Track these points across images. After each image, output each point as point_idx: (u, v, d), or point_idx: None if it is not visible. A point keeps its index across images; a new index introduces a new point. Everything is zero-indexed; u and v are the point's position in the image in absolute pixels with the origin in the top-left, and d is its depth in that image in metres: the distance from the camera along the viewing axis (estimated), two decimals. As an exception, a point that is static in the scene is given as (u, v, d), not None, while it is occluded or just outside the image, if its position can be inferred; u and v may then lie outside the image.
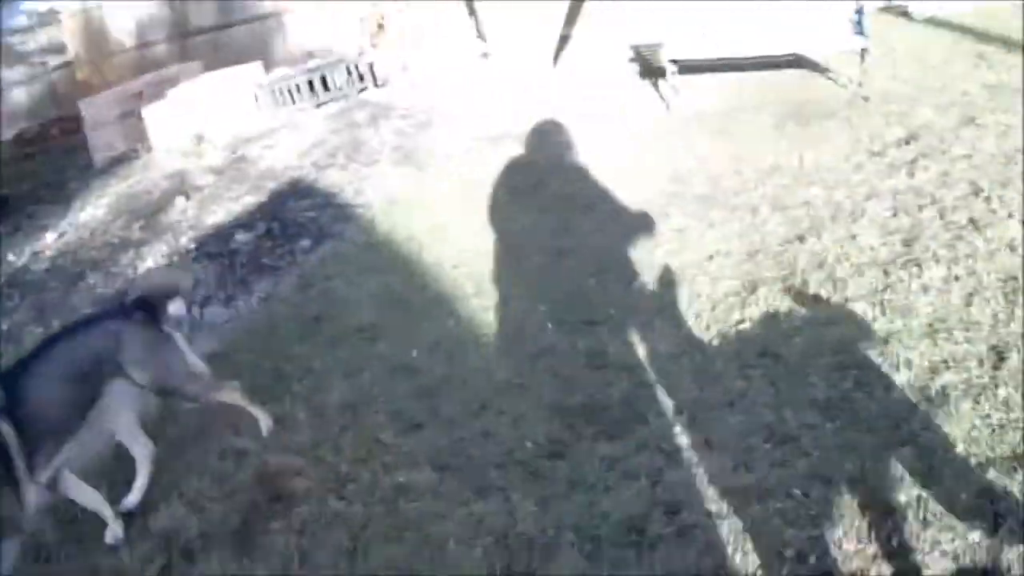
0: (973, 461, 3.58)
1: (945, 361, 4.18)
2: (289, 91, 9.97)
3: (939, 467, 3.58)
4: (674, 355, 4.65)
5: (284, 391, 5.12)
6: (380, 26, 10.73)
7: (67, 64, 14.52)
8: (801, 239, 5.48)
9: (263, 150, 9.05)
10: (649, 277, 5.42)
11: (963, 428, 3.75)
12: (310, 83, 9.96)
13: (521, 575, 3.54)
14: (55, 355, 4.09)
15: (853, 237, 5.38)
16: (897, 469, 3.62)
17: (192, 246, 7.51)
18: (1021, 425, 3.68)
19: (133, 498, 4.48)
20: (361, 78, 10.00)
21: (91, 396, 4.15)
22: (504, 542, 3.70)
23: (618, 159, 7.26)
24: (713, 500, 3.69)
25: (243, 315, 6.33)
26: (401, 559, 3.75)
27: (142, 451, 4.56)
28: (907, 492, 3.50)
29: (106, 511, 4.29)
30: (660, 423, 4.19)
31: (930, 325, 4.45)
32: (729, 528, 3.52)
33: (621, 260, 5.62)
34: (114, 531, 4.26)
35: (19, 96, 14.02)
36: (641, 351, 4.74)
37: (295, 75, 10.00)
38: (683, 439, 4.07)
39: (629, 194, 6.51)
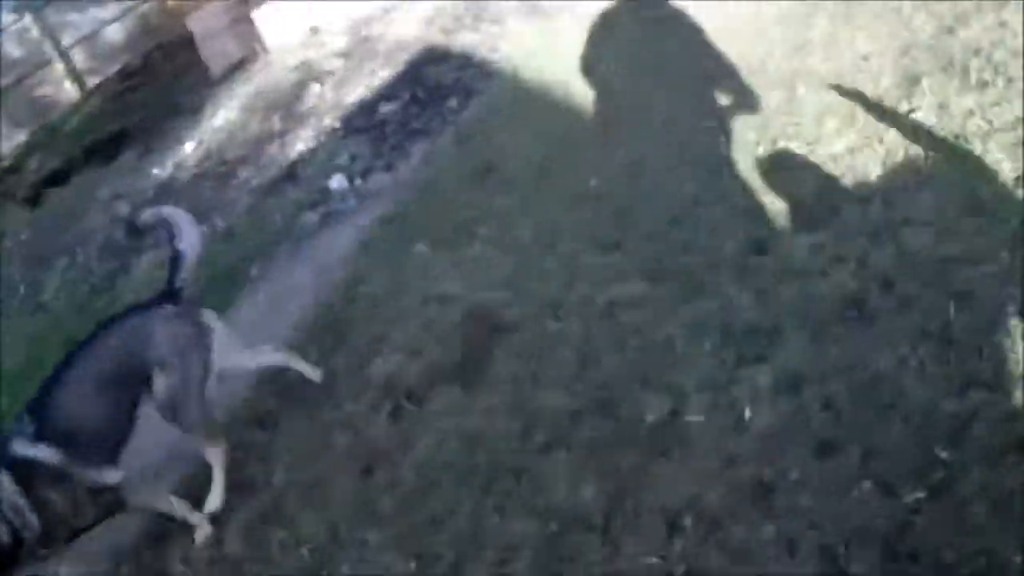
0: None
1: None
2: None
3: None
4: (853, 148, 4.70)
5: (471, 236, 5.34)
6: None
7: (155, -6, 14.67)
8: (951, 31, 5.42)
9: (385, 27, 9.12)
10: (809, 83, 5.44)
11: None
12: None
13: (752, 362, 3.71)
14: (83, 367, 3.95)
15: (1003, 24, 5.28)
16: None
17: (337, 125, 7.68)
18: None
19: (214, 501, 4.32)
20: (467, -58, 9.96)
21: (132, 402, 4.03)
22: (729, 334, 3.88)
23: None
24: (924, 270, 3.78)
25: (408, 178, 6.53)
26: (632, 364, 3.96)
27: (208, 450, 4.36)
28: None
29: (190, 516, 4.22)
30: (855, 210, 4.28)
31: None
32: (946, 293, 3.62)
33: (774, 72, 5.64)
34: (203, 532, 4.22)
35: (114, 33, 14.19)
36: (819, 150, 4.80)
37: (399, -48, 9.99)
38: (880, 221, 4.15)
39: (765, 10, 6.50)
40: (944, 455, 3.01)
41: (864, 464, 3.11)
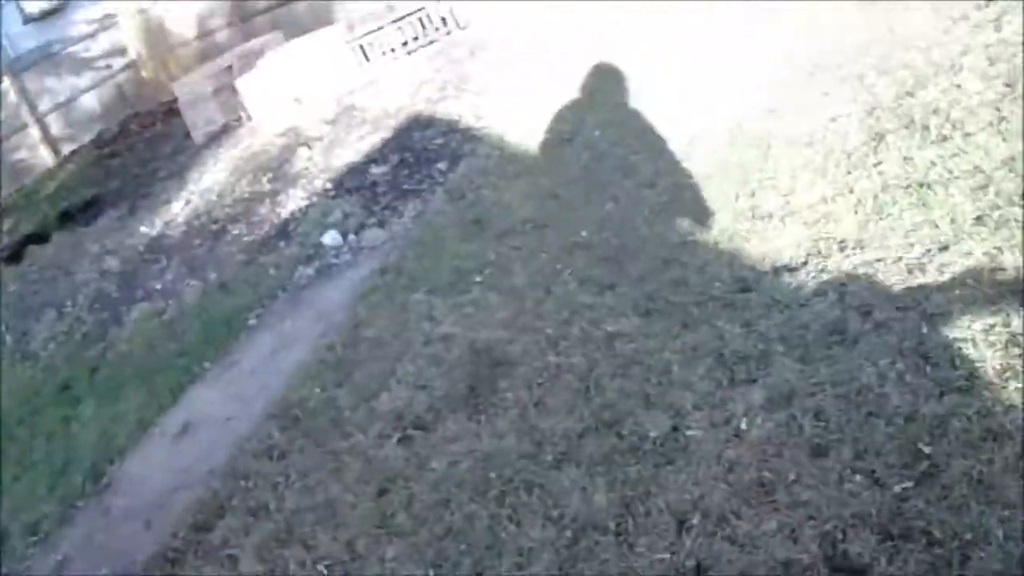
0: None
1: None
2: (378, 43, 10.35)
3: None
4: (826, 198, 5.09)
5: (468, 284, 5.64)
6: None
7: (131, 65, 15.00)
8: (911, 94, 5.82)
9: (369, 99, 9.45)
10: (783, 142, 5.84)
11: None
12: (398, 31, 10.34)
13: (745, 383, 4.05)
14: None
15: (958, 86, 5.70)
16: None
17: (328, 186, 7.98)
18: None
19: None
20: (444, 22, 10.38)
21: None
22: (721, 360, 4.22)
23: (713, 51, 7.60)
24: (899, 299, 4.15)
25: (401, 233, 6.82)
26: (633, 387, 4.27)
27: None
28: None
29: None
30: (834, 255, 4.65)
31: (1051, 147, 4.84)
32: (919, 316, 3.99)
33: (750, 134, 6.04)
34: None
35: (90, 101, 14.50)
36: (798, 201, 5.17)
37: (380, 28, 10.36)
38: (857, 263, 4.51)
39: (733, 79, 6.92)
40: (927, 449, 3.35)
41: (855, 461, 3.44)
